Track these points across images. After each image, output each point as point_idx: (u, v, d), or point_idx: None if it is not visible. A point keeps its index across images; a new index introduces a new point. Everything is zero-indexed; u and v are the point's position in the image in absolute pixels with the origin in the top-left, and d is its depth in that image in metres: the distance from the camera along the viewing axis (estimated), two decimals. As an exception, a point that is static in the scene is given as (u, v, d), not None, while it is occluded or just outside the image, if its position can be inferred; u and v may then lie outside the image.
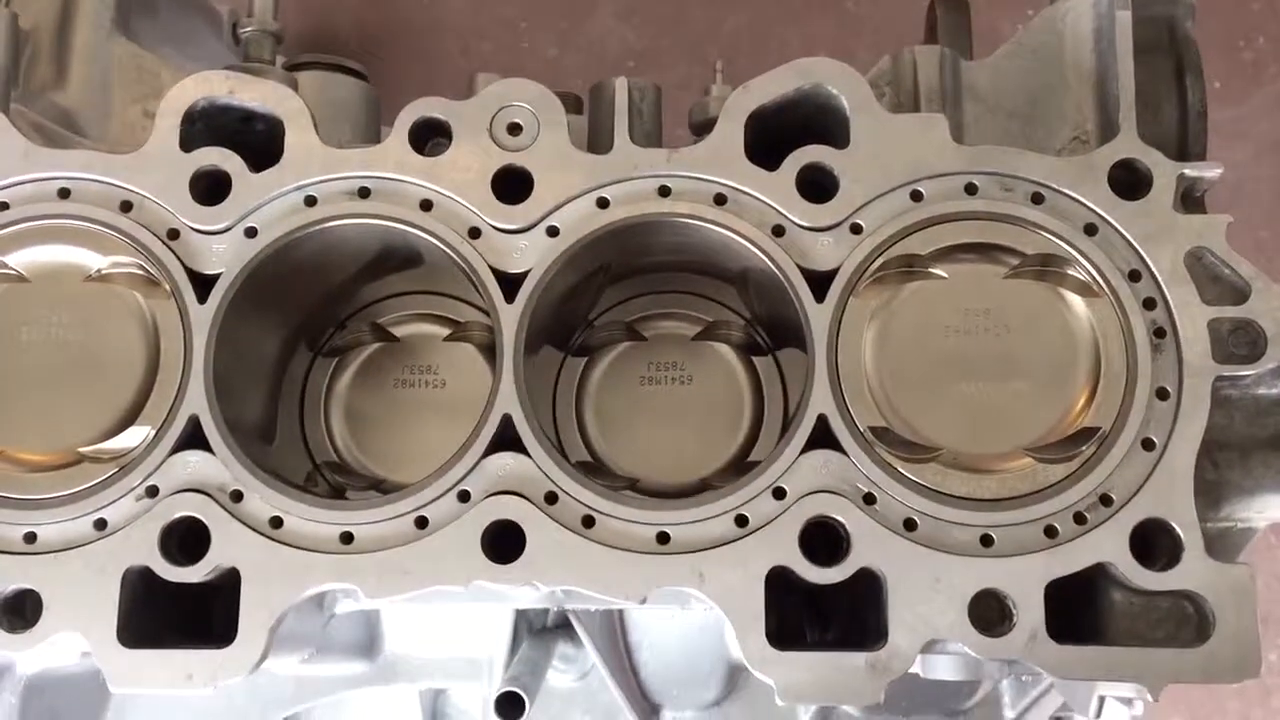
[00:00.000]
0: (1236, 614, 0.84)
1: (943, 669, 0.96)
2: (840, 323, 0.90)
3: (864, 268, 0.91)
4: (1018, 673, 1.01)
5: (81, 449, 0.92)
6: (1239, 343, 0.89)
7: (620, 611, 1.20)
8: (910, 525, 0.88)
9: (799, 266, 0.91)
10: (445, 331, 1.13)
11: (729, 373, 1.09)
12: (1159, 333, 0.89)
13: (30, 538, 0.90)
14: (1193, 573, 0.85)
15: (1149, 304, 0.90)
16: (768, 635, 0.86)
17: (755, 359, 1.10)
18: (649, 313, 1.11)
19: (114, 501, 0.90)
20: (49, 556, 0.89)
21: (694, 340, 1.10)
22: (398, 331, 1.14)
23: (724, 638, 1.22)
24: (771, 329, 1.09)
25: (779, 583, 0.87)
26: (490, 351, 1.11)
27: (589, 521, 0.89)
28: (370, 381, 1.12)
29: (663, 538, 0.89)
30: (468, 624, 1.21)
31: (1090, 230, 0.91)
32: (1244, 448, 0.91)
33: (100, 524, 0.90)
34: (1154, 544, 0.86)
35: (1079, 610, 0.88)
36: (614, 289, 1.10)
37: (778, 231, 0.92)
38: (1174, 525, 0.86)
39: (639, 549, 0.88)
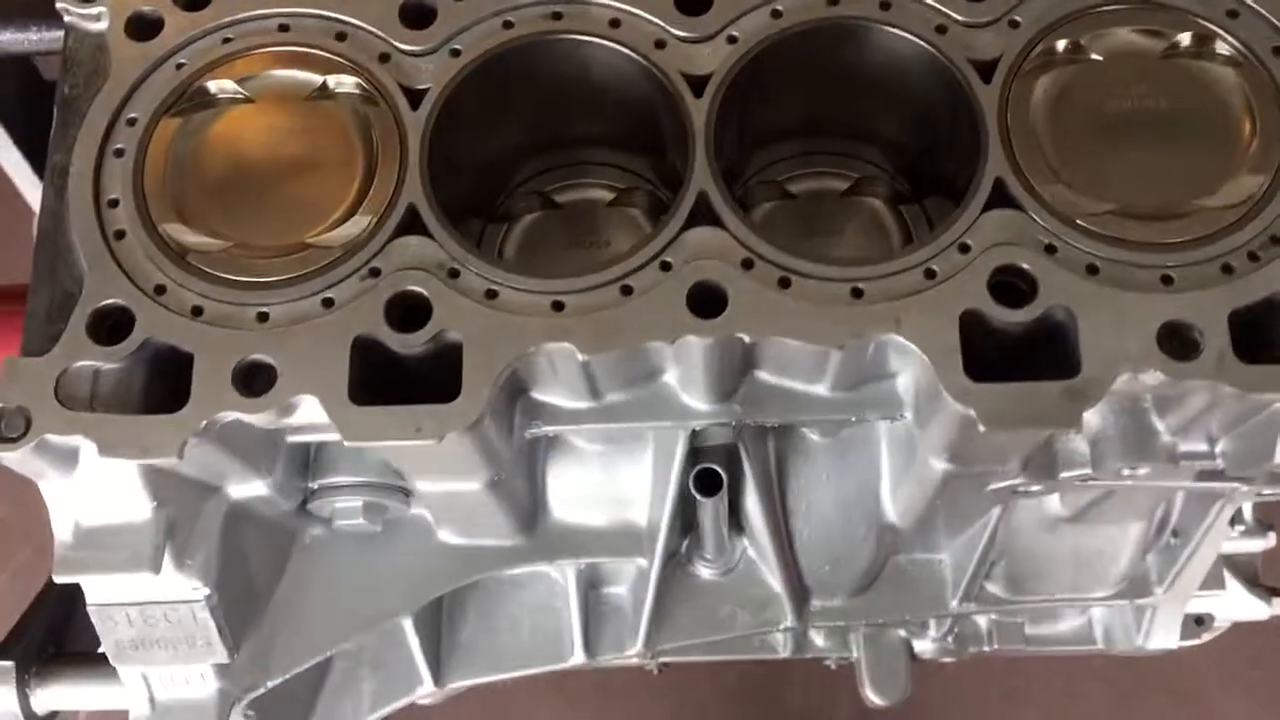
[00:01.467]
0: None
1: (1112, 455, 1.01)
2: (1008, 98, 0.98)
3: (1025, 53, 0.99)
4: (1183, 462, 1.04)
5: (309, 239, 0.98)
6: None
7: (779, 471, 1.24)
8: (1092, 270, 0.94)
9: (966, 58, 0.99)
10: (609, 197, 1.22)
11: (879, 222, 1.17)
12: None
13: (262, 317, 0.96)
14: (1367, 292, 0.91)
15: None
16: (965, 369, 0.91)
17: (903, 208, 1.18)
18: (795, 172, 1.20)
19: (340, 281, 0.96)
20: (281, 331, 0.95)
21: (844, 196, 1.18)
22: (561, 199, 1.23)
23: (879, 499, 1.25)
24: (916, 179, 1.17)
25: (970, 332, 0.93)
26: (654, 215, 1.19)
27: (785, 282, 0.95)
28: (536, 246, 1.20)
29: (857, 292, 0.94)
30: (630, 496, 1.24)
31: (1232, 14, 1.00)
32: None
33: (327, 302, 0.96)
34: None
35: (1259, 352, 0.92)
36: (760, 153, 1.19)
37: (941, 30, 1.01)
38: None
39: (836, 302, 0.94)
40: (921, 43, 1.00)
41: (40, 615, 1.20)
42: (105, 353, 0.95)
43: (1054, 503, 1.23)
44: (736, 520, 1.26)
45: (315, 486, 1.15)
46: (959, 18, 1.01)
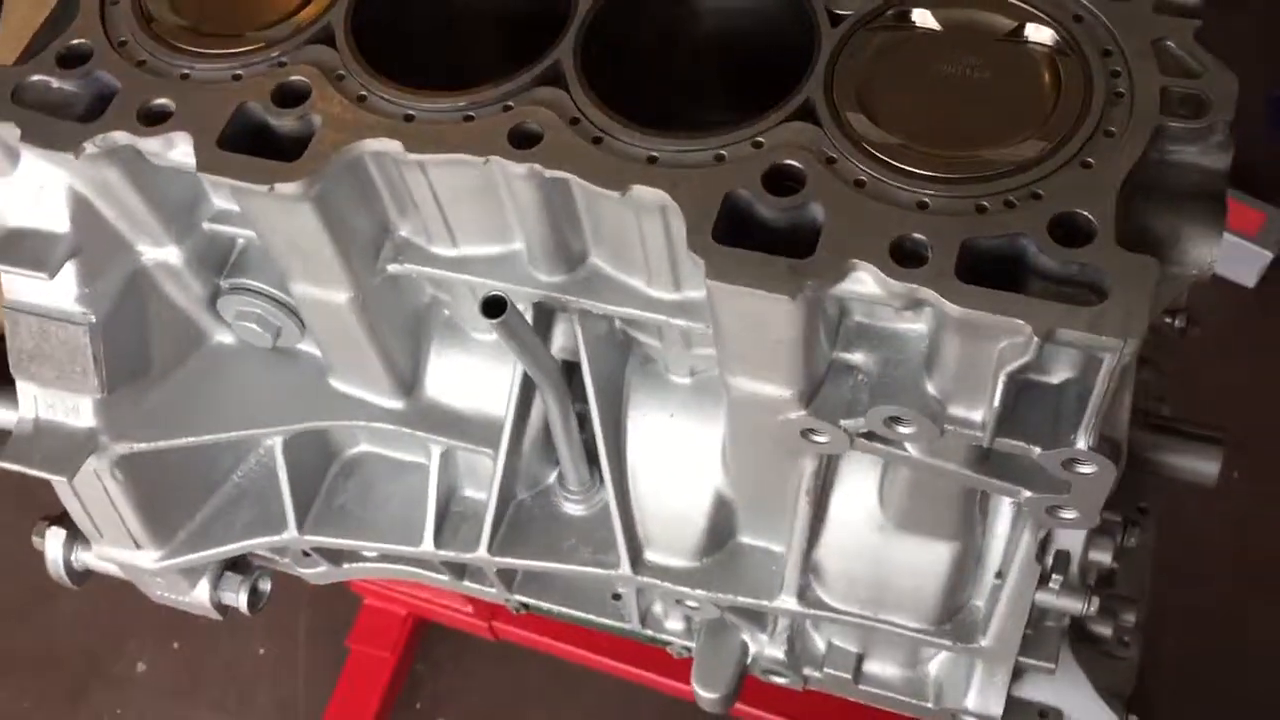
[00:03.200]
0: (1132, 289, 0.92)
1: (873, 393, 1.05)
2: (845, 41, 1.08)
3: (877, 13, 1.10)
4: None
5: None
6: (1185, 107, 1.00)
7: (628, 398, 1.31)
8: (859, 184, 1.01)
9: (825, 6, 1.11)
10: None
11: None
12: (1118, 94, 1.02)
13: (185, 77, 1.16)
14: (1099, 250, 0.94)
15: (1114, 74, 1.03)
16: (713, 234, 0.99)
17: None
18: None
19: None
20: (194, 86, 1.15)
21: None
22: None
23: (715, 473, 1.30)
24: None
25: (734, 212, 1.01)
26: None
27: (597, 140, 1.06)
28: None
29: (651, 159, 1.05)
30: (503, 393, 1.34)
31: (1078, 19, 1.07)
32: (1173, 196, 1.00)
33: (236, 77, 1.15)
34: (1072, 230, 0.96)
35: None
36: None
37: (813, -15, 1.13)
38: (1091, 215, 0.95)
39: (633, 161, 1.05)
40: (792, -10, 1.12)
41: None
42: (61, 74, 1.17)
43: (872, 496, 1.25)
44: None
45: (225, 285, 1.32)
46: (831, -19, 1.12)
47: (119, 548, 1.45)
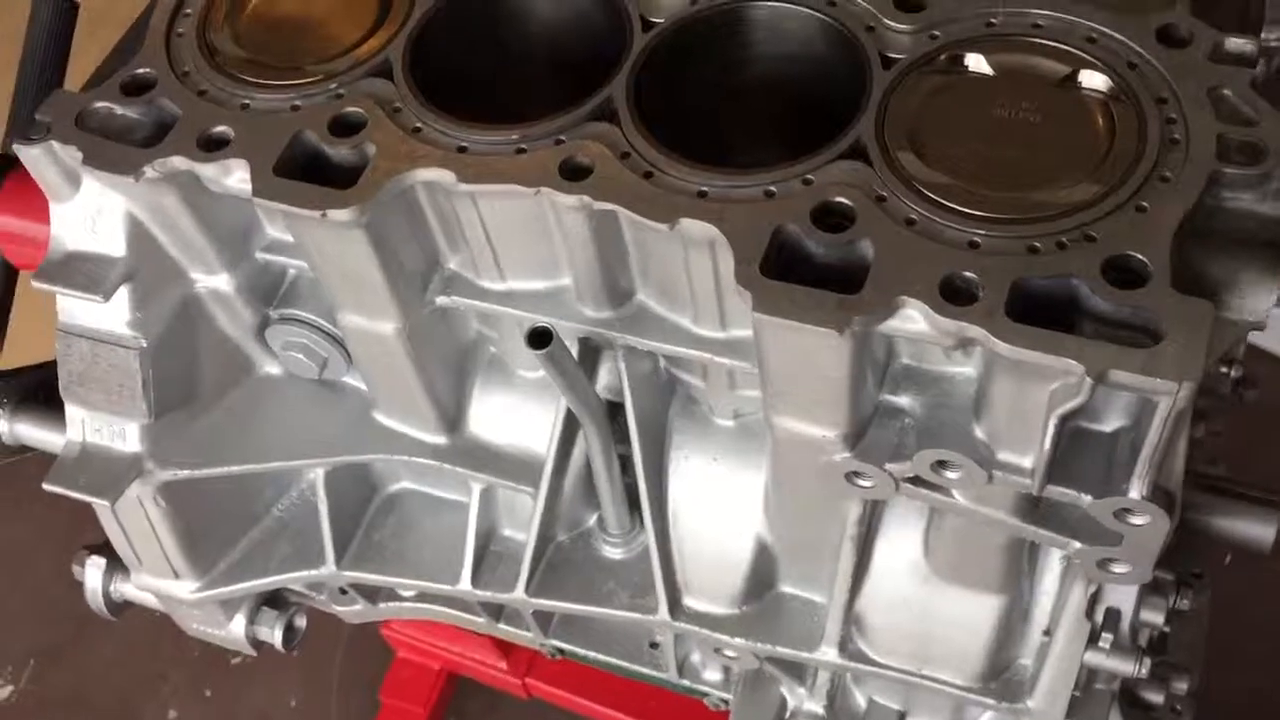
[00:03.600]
0: (1187, 332, 0.90)
1: (920, 436, 1.04)
2: (897, 85, 1.08)
3: (929, 57, 1.10)
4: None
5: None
6: (1241, 154, 0.99)
7: (669, 437, 1.30)
8: (910, 222, 1.00)
9: (878, 50, 1.11)
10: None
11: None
12: (1173, 140, 1.01)
13: (244, 107, 1.18)
14: (1154, 293, 0.92)
15: (1170, 120, 1.02)
16: (761, 267, 0.99)
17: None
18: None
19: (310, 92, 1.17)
20: (252, 115, 1.16)
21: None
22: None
23: (757, 519, 1.29)
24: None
25: (783, 247, 1.01)
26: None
27: (648, 174, 1.06)
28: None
29: (701, 194, 1.05)
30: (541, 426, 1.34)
31: (1132, 65, 1.06)
32: (1229, 242, 0.98)
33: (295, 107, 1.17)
34: (1126, 273, 0.94)
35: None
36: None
37: (869, 29, 1.13)
38: (1145, 258, 0.94)
39: (682, 195, 1.05)
40: (844, 30, 1.13)
41: (43, 369, 1.41)
42: (125, 101, 1.19)
43: (917, 545, 1.23)
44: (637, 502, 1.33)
45: (275, 315, 1.33)
46: (887, 21, 1.12)
47: (158, 577, 1.45)
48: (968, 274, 0.96)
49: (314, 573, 1.44)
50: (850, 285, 0.98)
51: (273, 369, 1.38)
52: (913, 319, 0.96)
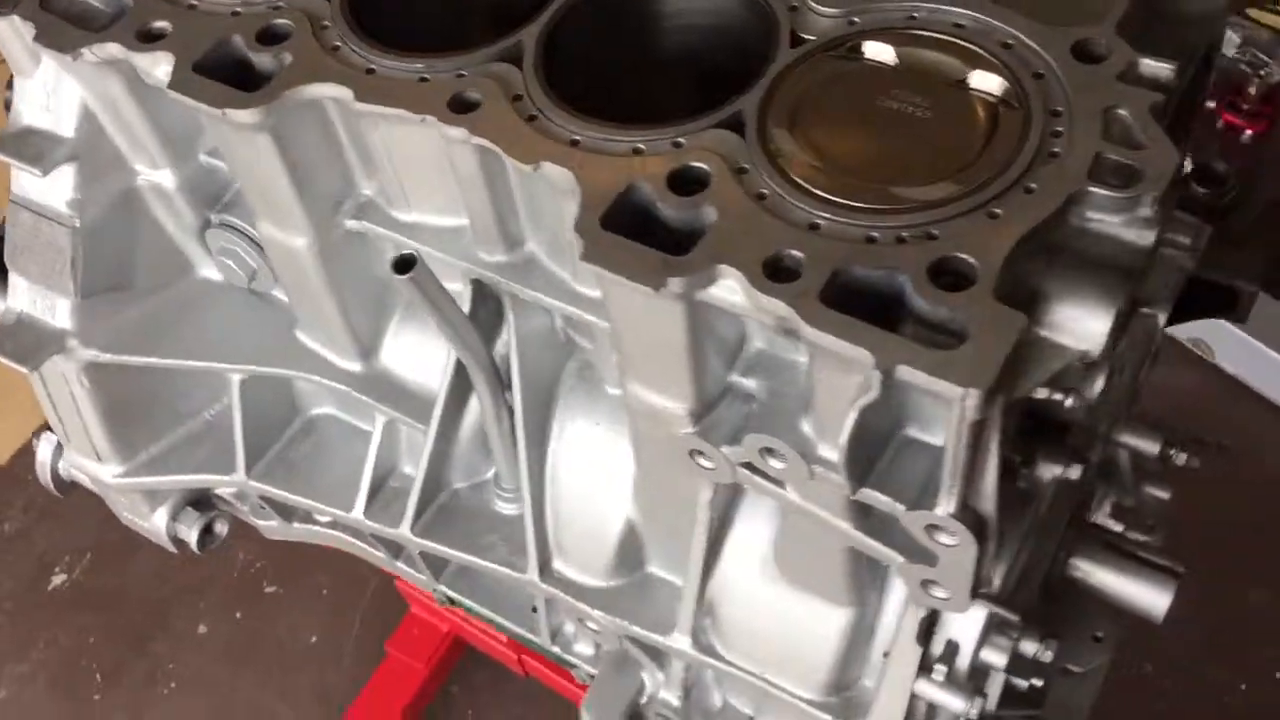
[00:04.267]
0: (992, 339, 0.86)
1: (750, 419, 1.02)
2: (797, 65, 1.06)
3: (837, 42, 1.07)
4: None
5: None
6: (1115, 177, 0.94)
7: (555, 398, 1.30)
8: (760, 197, 0.98)
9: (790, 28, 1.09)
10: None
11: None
12: (1053, 153, 0.97)
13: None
14: (973, 299, 0.88)
15: (1055, 134, 0.98)
16: (603, 219, 0.98)
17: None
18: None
19: None
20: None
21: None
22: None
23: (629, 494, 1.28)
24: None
25: (631, 202, 1.00)
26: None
27: (532, 118, 1.07)
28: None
29: (574, 143, 1.05)
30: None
31: (1038, 76, 1.03)
32: (1078, 263, 0.94)
33: (234, 12, 1.21)
34: (953, 276, 0.91)
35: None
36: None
37: (792, 8, 1.11)
38: (976, 262, 0.90)
39: (559, 141, 1.05)
40: (763, 4, 1.11)
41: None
42: (92, -11, 1.25)
43: (768, 543, 1.21)
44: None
45: (215, 220, 1.38)
46: (811, 3, 1.11)
47: (84, 457, 1.51)
48: (795, 253, 0.93)
49: (225, 478, 1.48)
50: (688, 250, 0.96)
51: (211, 274, 1.43)
52: (733, 290, 0.94)
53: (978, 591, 1.04)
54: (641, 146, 1.04)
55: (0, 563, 3.13)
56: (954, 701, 1.13)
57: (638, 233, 0.98)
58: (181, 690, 2.91)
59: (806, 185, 0.98)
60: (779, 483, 1.06)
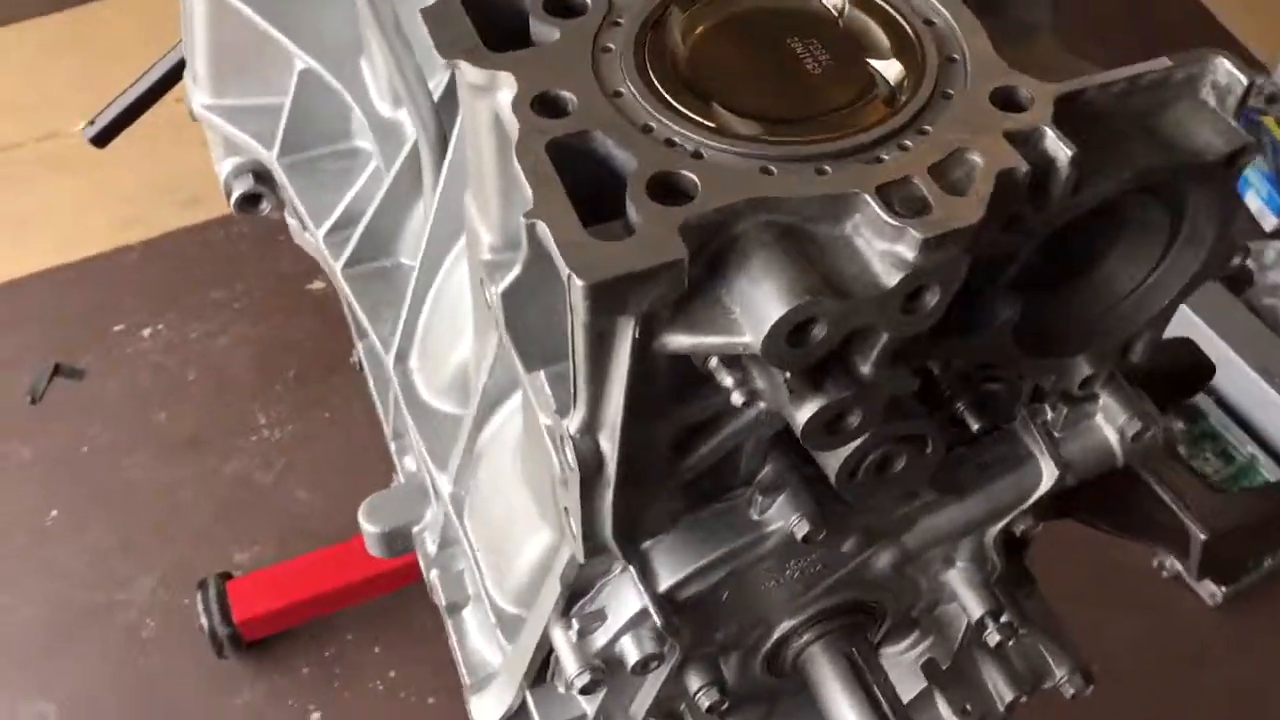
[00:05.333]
0: (637, 255, 0.79)
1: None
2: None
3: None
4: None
5: None
6: (904, 207, 0.82)
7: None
8: (646, 128, 0.90)
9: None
10: None
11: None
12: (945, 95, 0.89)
13: None
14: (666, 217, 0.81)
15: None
16: None
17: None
18: None
19: None
20: None
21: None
22: None
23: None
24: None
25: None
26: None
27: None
28: None
29: None
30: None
31: (929, 23, 0.93)
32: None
33: None
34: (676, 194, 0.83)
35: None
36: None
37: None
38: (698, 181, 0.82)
39: None
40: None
41: None
42: None
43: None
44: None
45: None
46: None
47: (191, 80, 1.67)
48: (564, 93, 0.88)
49: (261, 150, 1.59)
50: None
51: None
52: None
53: (596, 545, 0.96)
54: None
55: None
56: (571, 662, 1.05)
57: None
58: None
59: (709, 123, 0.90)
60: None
